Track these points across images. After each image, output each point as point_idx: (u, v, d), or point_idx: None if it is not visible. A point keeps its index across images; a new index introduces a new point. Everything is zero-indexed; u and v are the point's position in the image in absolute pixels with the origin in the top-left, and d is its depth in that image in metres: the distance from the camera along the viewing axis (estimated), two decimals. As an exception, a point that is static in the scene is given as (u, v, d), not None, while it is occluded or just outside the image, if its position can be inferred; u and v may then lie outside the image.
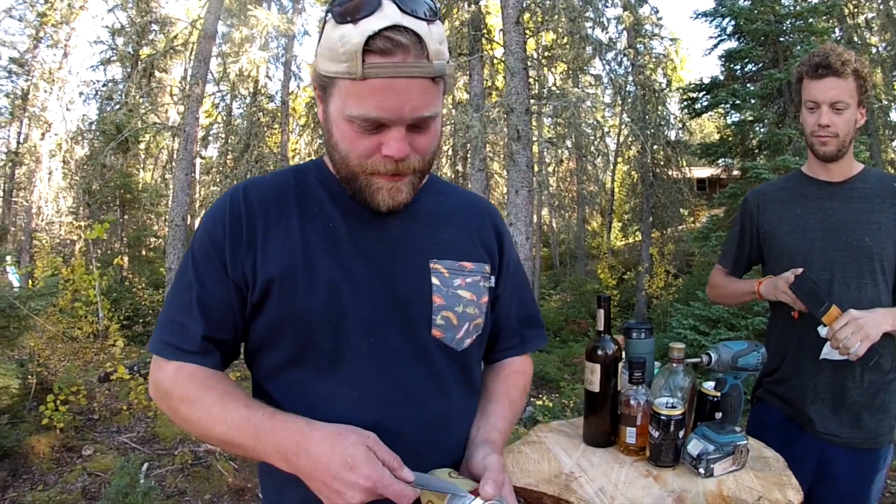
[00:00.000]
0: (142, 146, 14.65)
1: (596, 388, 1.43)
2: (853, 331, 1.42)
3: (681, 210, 11.42)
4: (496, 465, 0.87)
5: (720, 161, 9.57)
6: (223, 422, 0.84)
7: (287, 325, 0.91)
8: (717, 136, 11.14)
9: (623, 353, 1.50)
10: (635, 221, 13.97)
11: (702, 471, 1.32)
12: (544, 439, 1.48)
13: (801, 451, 1.62)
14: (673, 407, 1.35)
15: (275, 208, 0.94)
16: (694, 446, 1.35)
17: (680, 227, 12.48)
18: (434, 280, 0.96)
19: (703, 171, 14.45)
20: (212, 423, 0.86)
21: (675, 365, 1.53)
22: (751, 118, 8.79)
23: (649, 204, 11.02)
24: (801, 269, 1.51)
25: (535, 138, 8.56)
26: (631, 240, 15.51)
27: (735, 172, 10.01)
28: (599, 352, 1.44)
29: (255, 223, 0.92)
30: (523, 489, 1.25)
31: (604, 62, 11.38)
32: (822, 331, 1.50)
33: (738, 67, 9.30)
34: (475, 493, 0.79)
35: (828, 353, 1.55)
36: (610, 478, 1.28)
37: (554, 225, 18.98)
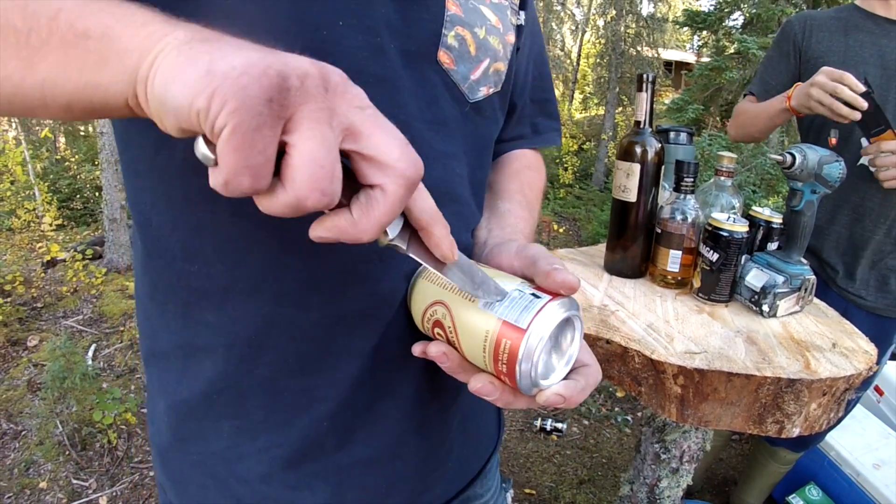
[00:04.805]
0: None
1: (632, 196, 1.03)
2: None
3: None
4: (546, 253, 0.48)
5: (696, 37, 8.89)
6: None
7: None
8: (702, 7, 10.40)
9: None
10: (597, 94, 13.39)
11: (765, 308, 0.98)
12: (553, 264, 1.10)
13: None
14: (736, 222, 0.98)
15: None
16: (756, 277, 1.00)
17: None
18: None
19: (670, 54, 13.75)
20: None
21: (723, 179, 1.15)
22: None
23: (617, 74, 10.43)
24: (863, 88, 1.20)
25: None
26: (592, 112, 15.03)
27: (705, 59, 9.45)
28: (639, 148, 1.03)
29: None
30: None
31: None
32: (866, 142, 1.25)
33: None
34: (540, 290, 0.42)
35: (867, 161, 1.30)
36: (656, 313, 0.92)
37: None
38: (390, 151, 0.33)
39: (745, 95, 1.64)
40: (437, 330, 0.46)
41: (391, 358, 0.51)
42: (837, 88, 1.17)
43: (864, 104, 1.16)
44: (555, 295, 0.41)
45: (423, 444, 0.57)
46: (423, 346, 0.47)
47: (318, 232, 0.35)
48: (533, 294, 0.41)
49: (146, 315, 0.54)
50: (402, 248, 0.38)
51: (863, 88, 1.17)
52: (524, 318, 0.39)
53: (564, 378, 0.43)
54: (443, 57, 0.51)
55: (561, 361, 0.43)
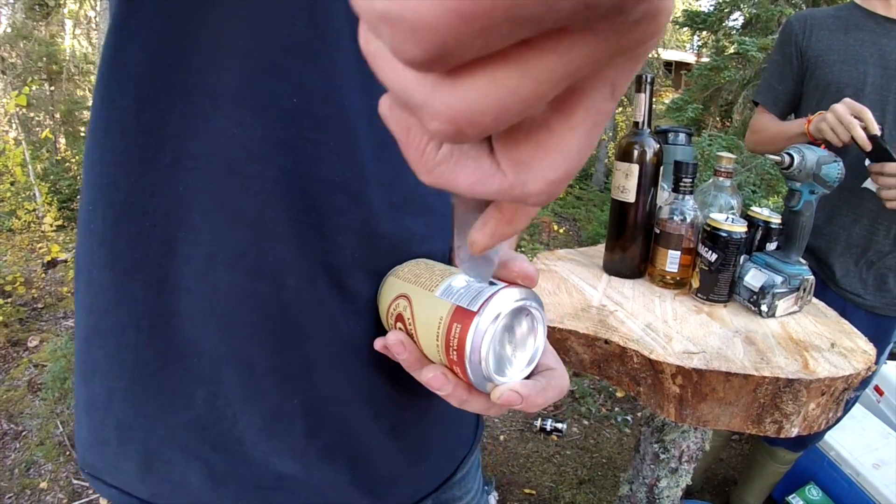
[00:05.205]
0: (65, 10, 12.35)
1: (630, 196, 1.04)
2: None
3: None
4: (513, 252, 0.48)
5: (696, 37, 8.89)
6: None
7: None
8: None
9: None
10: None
11: (764, 308, 0.98)
12: (555, 267, 1.10)
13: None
14: (734, 222, 0.98)
15: None
16: (755, 277, 1.00)
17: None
18: None
19: (670, 54, 13.79)
20: None
21: (722, 179, 1.15)
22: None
23: (617, 74, 10.44)
24: (877, 131, 1.21)
25: None
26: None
27: (704, 59, 9.46)
28: (637, 149, 1.03)
29: None
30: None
31: None
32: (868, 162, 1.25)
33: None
34: (501, 280, 0.41)
35: (870, 183, 1.31)
36: (655, 313, 0.92)
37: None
38: (552, 170, 0.21)
39: (754, 103, 1.63)
40: (398, 325, 0.45)
41: (366, 354, 0.50)
42: (851, 124, 1.18)
43: (869, 147, 1.17)
44: (513, 284, 0.40)
45: (395, 440, 0.56)
46: (384, 339, 0.45)
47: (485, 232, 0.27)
48: (491, 282, 0.39)
49: (99, 288, 0.50)
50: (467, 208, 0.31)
51: (877, 131, 1.18)
52: (476, 302, 0.37)
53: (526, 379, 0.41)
54: None
55: (520, 359, 0.41)
